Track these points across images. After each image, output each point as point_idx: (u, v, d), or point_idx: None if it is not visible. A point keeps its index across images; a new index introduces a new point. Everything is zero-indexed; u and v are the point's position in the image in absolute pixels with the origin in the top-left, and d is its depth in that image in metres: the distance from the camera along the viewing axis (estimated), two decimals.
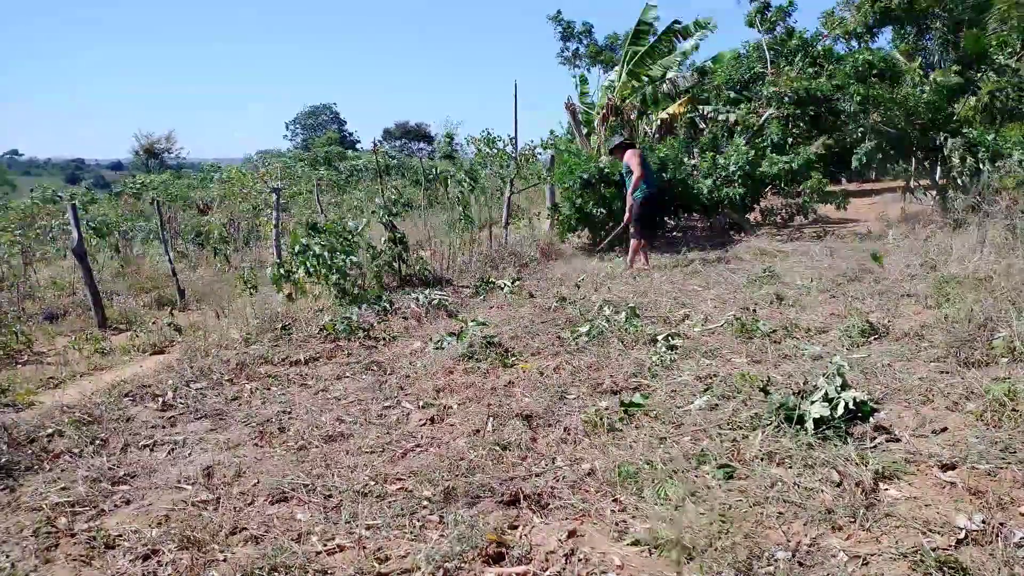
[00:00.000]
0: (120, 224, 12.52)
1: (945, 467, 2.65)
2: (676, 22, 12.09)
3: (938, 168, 11.22)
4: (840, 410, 3.00)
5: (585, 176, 9.37)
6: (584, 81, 13.21)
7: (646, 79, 12.07)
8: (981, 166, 8.50)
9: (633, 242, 7.70)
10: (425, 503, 2.61)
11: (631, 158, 7.62)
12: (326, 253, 6.22)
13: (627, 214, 7.74)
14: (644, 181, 7.58)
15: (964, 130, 9.63)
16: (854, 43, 11.56)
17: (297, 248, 6.31)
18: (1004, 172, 8.13)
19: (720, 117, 13.13)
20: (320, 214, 12.01)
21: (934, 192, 10.96)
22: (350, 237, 6.57)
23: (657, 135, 12.01)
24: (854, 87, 9.84)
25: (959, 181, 8.60)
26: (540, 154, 15.10)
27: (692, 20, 12.11)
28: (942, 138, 9.90)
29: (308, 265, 6.24)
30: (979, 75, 10.31)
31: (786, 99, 10.28)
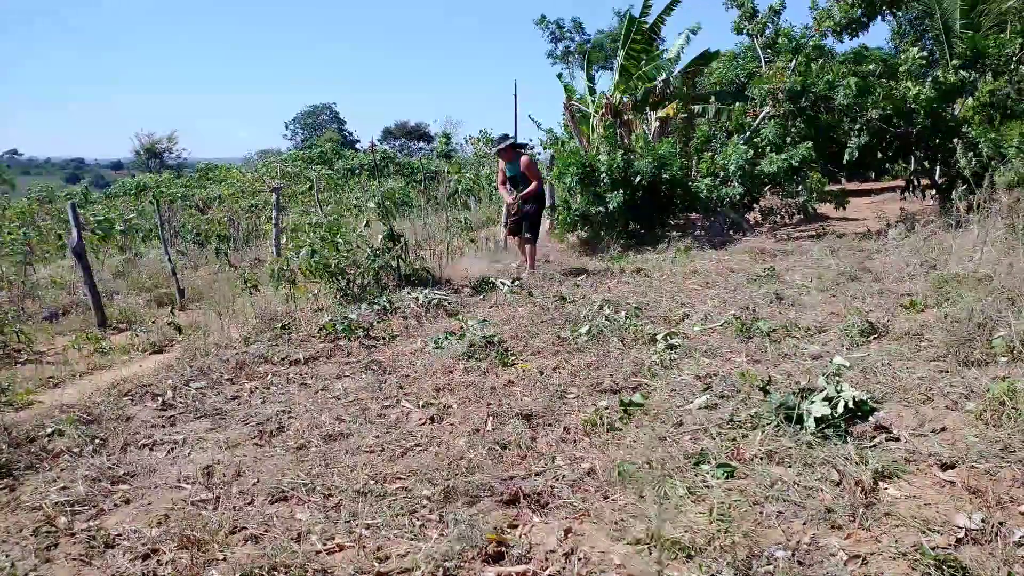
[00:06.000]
0: (119, 222, 12.53)
1: (945, 466, 2.65)
2: (661, 19, 12.18)
3: (938, 168, 11.21)
4: (840, 409, 3.00)
5: (581, 174, 9.41)
6: (572, 88, 13.25)
7: (641, 79, 12.09)
8: (984, 165, 8.48)
9: (529, 247, 7.80)
10: (425, 502, 2.61)
11: (530, 167, 7.56)
12: (323, 251, 6.23)
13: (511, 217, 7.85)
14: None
15: (964, 129, 9.62)
16: (845, 38, 11.53)
17: (292, 245, 6.34)
18: (1005, 171, 8.12)
19: (722, 117, 13.13)
20: (319, 214, 12.03)
21: (934, 191, 10.96)
22: (341, 236, 6.59)
23: (655, 134, 12.01)
24: (848, 81, 9.83)
25: (964, 180, 8.58)
26: (540, 154, 15.13)
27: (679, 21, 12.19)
28: (941, 137, 9.90)
29: (305, 264, 6.25)
30: (978, 75, 10.29)
31: (780, 96, 10.24)
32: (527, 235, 7.69)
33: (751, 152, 10.20)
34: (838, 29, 10.88)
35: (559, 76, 13.26)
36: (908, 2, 11.50)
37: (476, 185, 16.04)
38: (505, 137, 7.76)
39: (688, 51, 13.51)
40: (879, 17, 10.74)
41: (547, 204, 10.95)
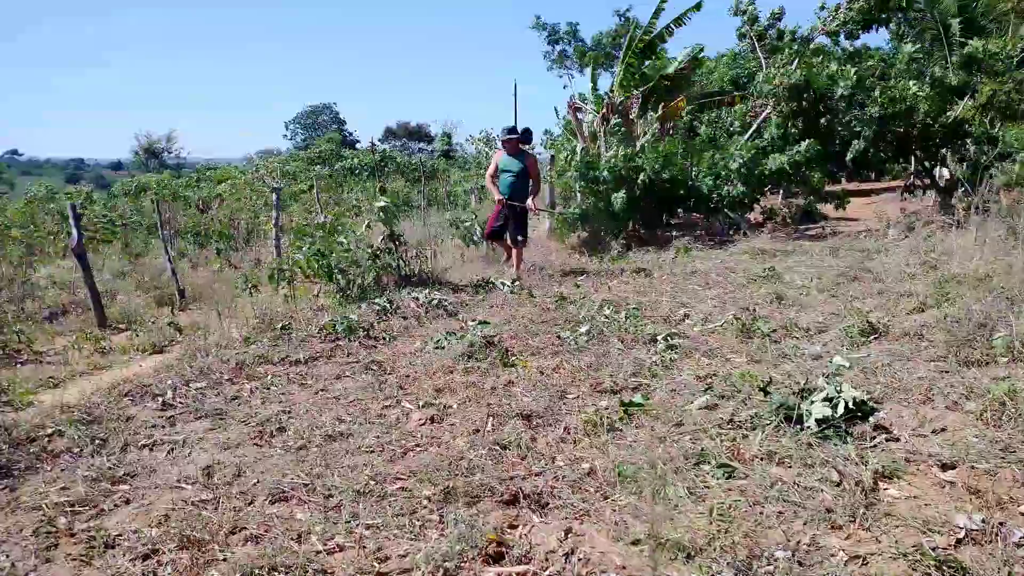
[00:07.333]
0: (119, 221, 12.57)
1: (945, 467, 2.65)
2: (670, 29, 12.16)
3: (938, 168, 11.22)
4: (840, 410, 2.99)
5: (583, 173, 9.42)
6: (559, 111, 13.24)
7: (642, 78, 12.13)
8: (984, 165, 8.48)
9: (517, 251, 7.55)
10: (425, 503, 2.61)
11: (535, 166, 7.33)
12: (322, 251, 6.24)
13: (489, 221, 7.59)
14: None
15: (964, 129, 9.63)
16: (844, 41, 11.61)
17: (295, 243, 6.35)
18: (1005, 171, 8.12)
19: (724, 117, 13.16)
20: (320, 213, 12.03)
21: (934, 191, 10.96)
22: (344, 237, 6.60)
23: (657, 134, 12.03)
24: (847, 75, 9.84)
25: (963, 180, 8.58)
26: (540, 154, 15.14)
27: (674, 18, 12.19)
28: (941, 137, 9.90)
29: (307, 264, 6.26)
30: (979, 77, 10.30)
31: (782, 94, 10.25)
32: (519, 238, 7.49)
33: (753, 151, 10.21)
34: (842, 30, 10.90)
35: (568, 107, 12.93)
36: (911, 3, 11.53)
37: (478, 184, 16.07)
38: (514, 129, 7.55)
39: (677, 49, 13.56)
40: (885, 21, 10.78)
41: (547, 204, 10.99)
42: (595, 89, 13.10)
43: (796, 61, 10.86)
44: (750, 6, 12.47)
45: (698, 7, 12.13)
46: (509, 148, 7.43)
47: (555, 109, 14.68)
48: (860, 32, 11.31)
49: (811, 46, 11.37)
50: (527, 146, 7.81)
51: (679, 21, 12.23)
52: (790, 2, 19.02)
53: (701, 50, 13.02)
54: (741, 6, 12.44)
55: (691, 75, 13.57)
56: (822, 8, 11.54)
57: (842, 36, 11.51)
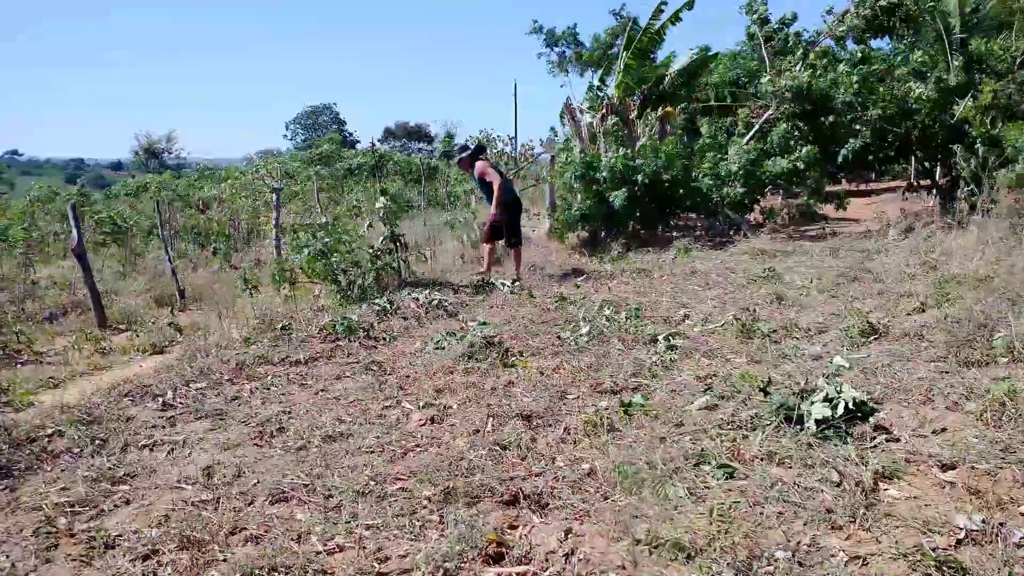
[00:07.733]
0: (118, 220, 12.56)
1: (945, 467, 2.65)
2: (666, 26, 12.08)
3: (938, 168, 11.22)
4: (840, 410, 2.99)
5: (583, 173, 9.42)
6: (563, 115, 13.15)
7: (643, 79, 12.13)
8: (985, 165, 8.48)
9: (488, 247, 7.54)
10: (425, 503, 2.61)
11: (485, 169, 7.21)
12: (326, 251, 6.24)
13: (488, 222, 7.48)
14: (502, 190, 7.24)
15: (965, 129, 9.62)
16: (849, 44, 11.66)
17: (295, 244, 6.35)
18: (1007, 172, 8.12)
19: (724, 117, 13.16)
20: (320, 214, 12.04)
21: (934, 192, 10.96)
22: (348, 237, 6.60)
23: (657, 135, 12.03)
24: (850, 80, 9.85)
25: (964, 180, 8.58)
26: (539, 154, 15.16)
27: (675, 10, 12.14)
28: (943, 138, 9.90)
29: (308, 264, 6.26)
30: (980, 77, 10.30)
31: (786, 95, 10.26)
32: (512, 239, 7.39)
33: (754, 153, 10.21)
34: (850, 35, 10.94)
35: (568, 108, 12.79)
36: (919, 16, 11.48)
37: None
38: (464, 148, 7.39)
39: (686, 50, 13.53)
40: (892, 29, 10.84)
41: (546, 204, 11.00)
42: (594, 89, 13.10)
43: (801, 64, 10.86)
44: (762, 6, 12.49)
45: (690, 6, 12.09)
46: (464, 167, 7.40)
47: (563, 107, 14.47)
48: (869, 39, 11.37)
49: (817, 48, 11.38)
50: (477, 158, 7.46)
51: (675, 18, 12.21)
52: (802, 7, 19.09)
53: (708, 51, 13.02)
54: (754, 6, 12.47)
55: (698, 77, 13.56)
56: (829, 12, 11.57)
57: (850, 40, 11.55)
